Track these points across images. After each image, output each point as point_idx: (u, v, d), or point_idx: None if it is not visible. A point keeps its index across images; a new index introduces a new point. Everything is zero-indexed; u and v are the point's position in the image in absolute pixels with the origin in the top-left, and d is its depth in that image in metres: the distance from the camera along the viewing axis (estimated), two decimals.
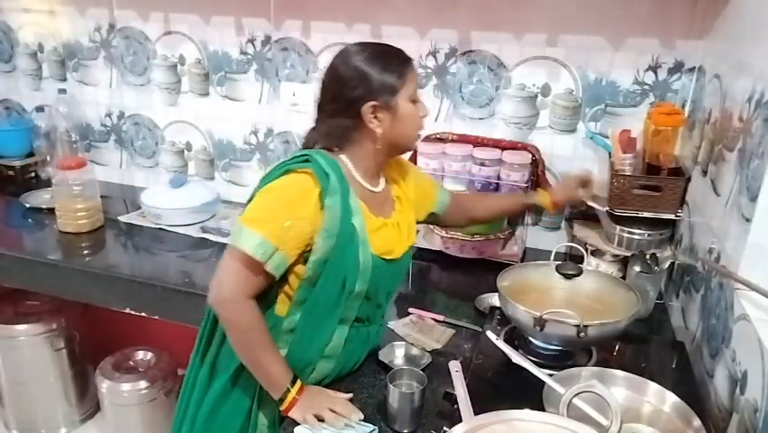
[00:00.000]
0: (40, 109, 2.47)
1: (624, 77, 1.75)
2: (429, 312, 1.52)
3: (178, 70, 2.24)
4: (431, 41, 1.90)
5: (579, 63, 1.77)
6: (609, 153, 1.73)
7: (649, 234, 1.64)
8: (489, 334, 1.20)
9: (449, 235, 1.81)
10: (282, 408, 1.12)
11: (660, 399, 1.06)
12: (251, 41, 2.10)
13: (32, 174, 2.47)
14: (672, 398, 1.05)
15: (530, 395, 1.02)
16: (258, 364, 1.13)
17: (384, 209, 1.22)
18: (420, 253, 1.90)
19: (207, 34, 2.16)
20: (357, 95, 1.10)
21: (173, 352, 2.21)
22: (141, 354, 2.23)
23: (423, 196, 1.37)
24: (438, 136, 1.88)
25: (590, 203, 1.63)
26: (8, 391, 2.27)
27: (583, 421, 0.89)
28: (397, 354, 1.32)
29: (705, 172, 1.42)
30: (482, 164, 1.77)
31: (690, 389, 1.15)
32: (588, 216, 1.88)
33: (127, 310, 1.74)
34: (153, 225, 2.04)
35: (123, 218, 2.09)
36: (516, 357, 1.11)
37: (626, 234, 1.66)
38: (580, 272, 1.33)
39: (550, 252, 1.39)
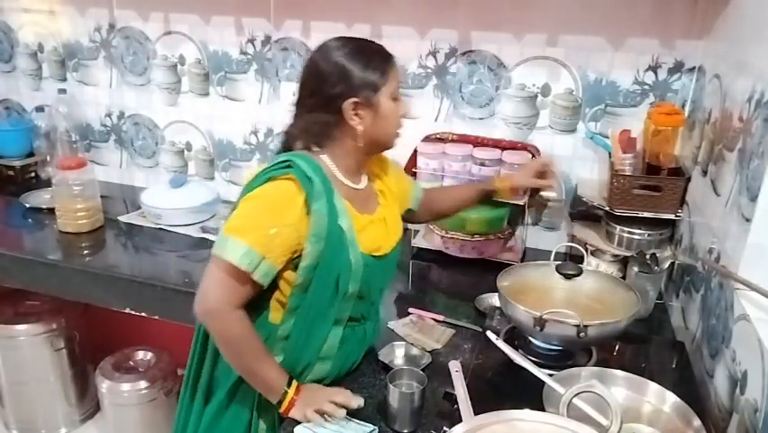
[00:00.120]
0: (40, 109, 2.47)
1: (624, 77, 1.75)
2: (429, 312, 1.52)
3: (178, 70, 2.24)
4: (431, 41, 1.90)
5: (579, 63, 1.77)
6: (609, 153, 1.73)
7: (649, 235, 1.64)
8: (489, 334, 1.20)
9: (449, 235, 1.81)
10: (282, 409, 1.11)
11: (660, 399, 1.06)
12: (251, 41, 2.10)
13: (32, 174, 2.47)
14: (671, 398, 1.05)
15: (530, 395, 1.02)
16: (252, 372, 1.12)
17: (369, 206, 1.22)
18: (420, 253, 1.90)
19: (207, 34, 2.16)
20: (338, 91, 1.09)
21: (173, 352, 2.21)
22: (141, 354, 2.23)
23: (402, 192, 1.36)
24: (438, 136, 1.88)
25: (545, 193, 1.59)
26: (8, 391, 2.26)
27: (583, 421, 0.89)
28: (397, 354, 1.32)
29: (705, 172, 1.42)
30: (482, 164, 1.77)
31: (690, 389, 1.15)
32: (588, 217, 1.88)
33: (127, 310, 1.74)
34: (153, 225, 2.04)
35: (123, 218, 2.09)
36: (516, 357, 1.11)
37: (626, 234, 1.66)
38: (580, 272, 1.33)
39: (550, 252, 1.39)
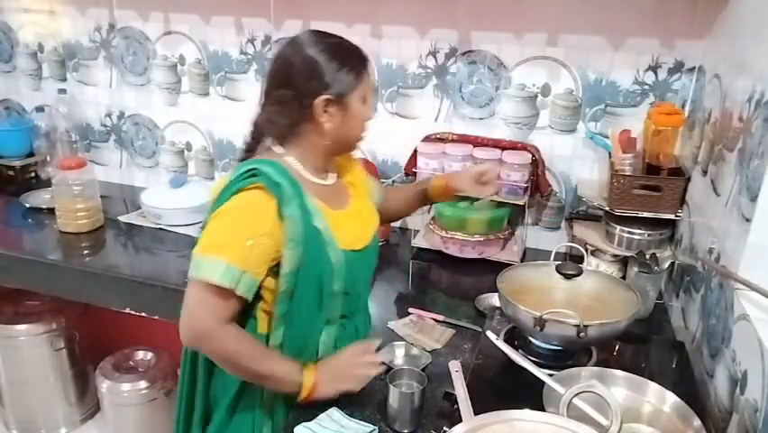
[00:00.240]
0: (40, 109, 2.47)
1: (624, 77, 1.75)
2: (429, 312, 1.52)
3: (178, 70, 2.24)
4: (431, 41, 1.90)
5: (579, 63, 1.77)
6: (609, 153, 1.73)
7: (649, 234, 1.64)
8: (489, 334, 1.20)
9: (449, 235, 1.81)
10: (304, 396, 1.10)
11: (660, 399, 1.06)
12: (251, 41, 2.10)
13: (32, 174, 2.48)
14: (671, 398, 1.05)
15: (530, 395, 1.02)
16: (261, 377, 1.11)
17: (341, 200, 1.21)
18: (420, 253, 1.90)
19: (207, 34, 2.16)
20: (311, 87, 1.08)
21: (173, 352, 2.21)
22: (141, 354, 2.24)
23: (369, 189, 1.35)
24: (438, 136, 1.88)
25: (481, 195, 1.47)
26: (8, 391, 2.27)
27: (583, 421, 0.89)
28: (397, 354, 1.32)
29: (705, 172, 1.42)
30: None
31: (690, 389, 1.15)
32: (588, 217, 1.88)
33: (127, 310, 1.74)
34: (153, 225, 2.04)
35: (123, 218, 2.10)
36: (516, 357, 1.11)
37: (626, 234, 1.66)
38: (580, 272, 1.33)
39: (550, 252, 1.39)
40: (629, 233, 1.66)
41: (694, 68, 1.68)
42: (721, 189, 1.26)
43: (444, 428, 1.01)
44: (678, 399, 1.04)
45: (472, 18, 1.83)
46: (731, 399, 1.03)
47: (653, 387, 1.08)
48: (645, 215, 1.62)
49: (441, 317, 1.50)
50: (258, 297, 1.12)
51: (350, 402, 1.17)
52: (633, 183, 1.61)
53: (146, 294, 1.70)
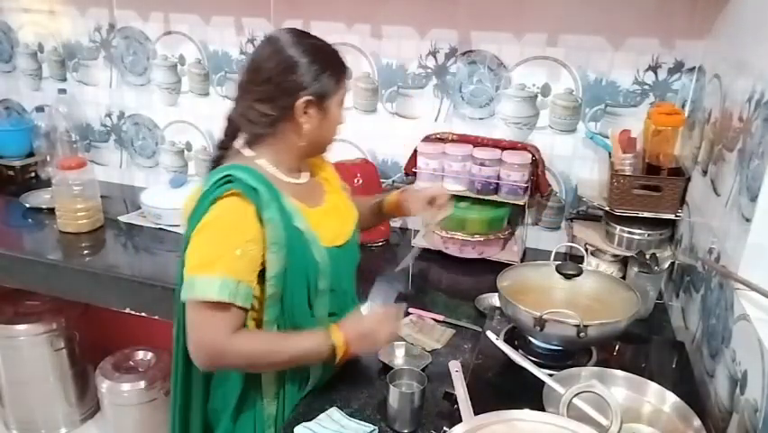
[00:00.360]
0: (40, 109, 2.47)
1: (624, 77, 1.74)
2: (429, 312, 1.52)
3: (178, 70, 2.24)
4: (431, 41, 1.90)
5: (579, 63, 1.77)
6: (609, 153, 1.73)
7: (649, 234, 1.64)
8: (489, 334, 1.20)
9: (449, 235, 1.81)
10: (341, 357, 1.10)
11: (660, 399, 1.06)
12: (251, 41, 2.10)
13: (32, 174, 2.48)
14: (672, 398, 1.05)
15: (530, 395, 1.02)
16: (295, 360, 1.11)
17: (316, 197, 1.21)
18: (420, 253, 1.90)
19: (207, 34, 2.16)
20: (295, 86, 1.07)
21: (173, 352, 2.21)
22: (141, 354, 2.23)
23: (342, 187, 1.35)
24: (438, 136, 1.88)
25: (431, 219, 1.42)
26: (8, 391, 2.27)
27: (583, 421, 0.89)
28: (397, 354, 1.32)
29: (705, 172, 1.42)
30: (482, 164, 1.77)
31: (690, 389, 1.15)
32: (588, 217, 1.88)
33: (127, 310, 1.74)
34: (153, 225, 2.04)
35: (123, 218, 2.10)
36: (516, 357, 1.11)
37: (626, 234, 1.66)
38: (580, 272, 1.33)
39: (550, 252, 1.39)
40: (629, 233, 1.66)
41: (694, 68, 1.68)
42: (721, 189, 1.26)
43: (444, 428, 1.01)
44: (678, 399, 1.04)
45: (472, 18, 1.83)
46: (731, 399, 1.03)
47: (653, 387, 1.08)
48: (645, 215, 1.62)
49: (441, 317, 1.50)
50: None
51: (350, 402, 1.17)
52: (633, 183, 1.61)
53: (146, 294, 1.70)
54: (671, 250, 1.66)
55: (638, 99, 1.75)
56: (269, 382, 1.16)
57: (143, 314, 1.73)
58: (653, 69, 1.71)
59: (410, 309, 1.54)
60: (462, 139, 1.85)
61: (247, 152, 1.15)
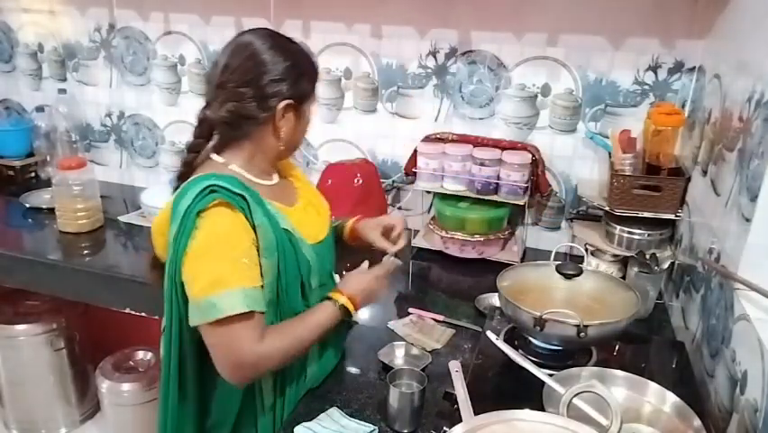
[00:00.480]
0: (40, 109, 2.47)
1: (624, 77, 1.75)
2: (429, 312, 1.52)
3: (178, 70, 2.24)
4: (431, 41, 1.90)
5: (579, 63, 1.77)
6: (609, 153, 1.73)
7: (649, 234, 1.64)
8: (489, 334, 1.20)
9: (449, 235, 1.81)
10: (353, 311, 1.17)
11: (660, 399, 1.06)
12: None
13: (32, 174, 2.48)
14: (672, 398, 1.05)
15: (530, 395, 1.02)
16: (319, 337, 1.12)
17: (290, 196, 1.21)
18: (420, 253, 1.90)
19: (207, 34, 2.16)
20: (278, 89, 1.06)
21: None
22: (141, 354, 2.23)
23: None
24: (438, 136, 1.88)
25: (387, 249, 1.30)
26: (8, 391, 2.26)
27: (583, 421, 0.89)
28: (397, 354, 1.32)
29: (705, 172, 1.42)
30: (482, 164, 1.77)
31: (690, 389, 1.15)
32: (588, 217, 1.88)
33: (127, 310, 1.74)
34: None
35: (123, 218, 2.09)
36: (516, 357, 1.11)
37: (626, 234, 1.66)
38: (580, 272, 1.33)
39: (550, 252, 1.39)
40: (629, 233, 1.66)
41: (694, 68, 1.68)
42: (721, 189, 1.26)
43: (444, 428, 1.01)
44: (678, 399, 1.04)
45: (472, 18, 1.83)
46: (731, 399, 1.03)
47: (653, 387, 1.08)
48: (645, 215, 1.62)
49: (441, 317, 1.50)
50: None
51: (350, 402, 1.17)
52: (633, 183, 1.61)
53: (146, 294, 1.70)
54: (671, 250, 1.66)
55: (638, 99, 1.75)
56: (267, 391, 1.14)
57: (143, 314, 1.73)
58: (653, 69, 1.71)
59: (410, 309, 1.54)
60: (462, 139, 1.85)
61: (217, 158, 1.12)
